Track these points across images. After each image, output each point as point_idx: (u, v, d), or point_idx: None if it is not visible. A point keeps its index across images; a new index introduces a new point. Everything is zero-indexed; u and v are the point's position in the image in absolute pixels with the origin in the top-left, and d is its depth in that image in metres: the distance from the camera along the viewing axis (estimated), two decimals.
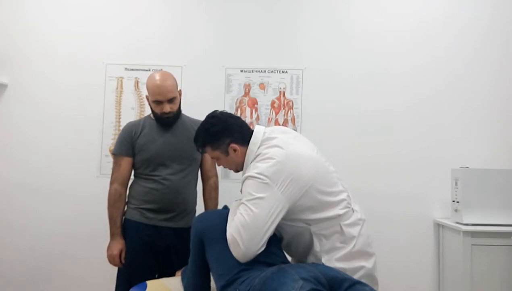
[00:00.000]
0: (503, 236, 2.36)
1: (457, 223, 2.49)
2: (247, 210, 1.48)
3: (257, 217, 1.47)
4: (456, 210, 2.53)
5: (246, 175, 1.56)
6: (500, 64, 2.77)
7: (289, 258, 1.75)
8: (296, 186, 1.53)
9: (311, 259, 1.63)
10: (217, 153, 1.72)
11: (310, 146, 1.72)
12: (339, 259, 1.58)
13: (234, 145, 1.69)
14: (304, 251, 1.65)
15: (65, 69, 2.92)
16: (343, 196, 1.66)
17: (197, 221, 1.69)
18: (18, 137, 2.91)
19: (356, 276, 1.54)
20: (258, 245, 1.47)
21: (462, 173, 2.49)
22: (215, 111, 1.80)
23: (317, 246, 1.60)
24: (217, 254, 1.53)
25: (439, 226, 2.73)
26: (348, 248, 1.59)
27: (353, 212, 1.67)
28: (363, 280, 1.54)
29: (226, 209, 1.76)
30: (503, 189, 2.47)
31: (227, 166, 1.77)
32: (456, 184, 2.54)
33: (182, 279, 1.82)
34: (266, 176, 1.51)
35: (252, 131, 1.73)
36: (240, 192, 1.63)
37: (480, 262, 2.37)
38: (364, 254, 1.63)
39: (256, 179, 1.51)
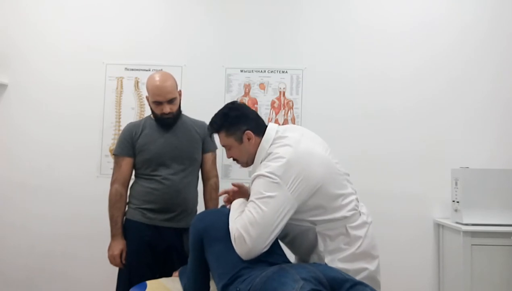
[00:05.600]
0: (503, 236, 2.37)
1: (457, 223, 2.49)
2: (256, 208, 1.48)
3: (266, 215, 1.47)
4: (456, 210, 2.53)
5: (256, 173, 1.56)
6: (500, 64, 2.77)
7: (290, 258, 1.75)
8: (306, 185, 1.53)
9: (314, 258, 1.63)
10: (230, 140, 1.70)
11: (323, 146, 1.70)
12: (342, 260, 1.58)
13: (249, 133, 1.67)
14: (307, 250, 1.65)
15: (65, 69, 2.92)
16: (351, 198, 1.65)
17: (197, 220, 1.69)
18: (18, 137, 2.91)
19: (358, 278, 1.53)
20: (264, 243, 1.47)
21: (462, 173, 2.49)
22: (234, 101, 1.81)
23: (321, 246, 1.60)
24: (218, 253, 1.53)
25: (439, 226, 2.73)
26: (352, 250, 1.59)
27: (360, 214, 1.67)
28: (365, 281, 1.55)
29: (224, 208, 1.76)
30: (503, 189, 2.48)
31: (238, 156, 1.73)
32: (456, 184, 2.54)
33: (181, 279, 1.82)
34: (276, 175, 1.50)
35: (266, 125, 1.73)
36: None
37: (480, 262, 2.37)
38: (367, 256, 1.63)
39: (267, 178, 1.51)
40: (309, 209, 1.57)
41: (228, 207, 1.76)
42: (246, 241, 1.45)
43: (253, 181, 1.56)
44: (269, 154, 1.61)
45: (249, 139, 1.68)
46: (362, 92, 2.82)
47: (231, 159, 1.77)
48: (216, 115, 1.75)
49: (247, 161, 1.73)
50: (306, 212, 1.57)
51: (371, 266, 1.62)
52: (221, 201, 2.28)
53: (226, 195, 1.86)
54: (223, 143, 1.74)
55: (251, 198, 1.53)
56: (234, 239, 1.48)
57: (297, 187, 1.51)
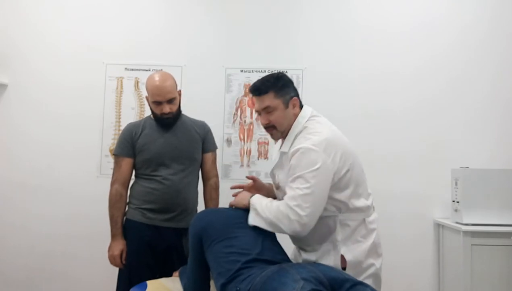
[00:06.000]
0: (503, 236, 2.37)
1: (457, 223, 2.49)
2: (305, 183, 1.50)
3: (315, 188, 1.50)
4: (456, 210, 2.53)
5: (299, 147, 1.56)
6: (500, 64, 2.77)
7: (290, 256, 1.74)
8: (343, 160, 1.58)
9: (327, 247, 1.63)
10: (277, 102, 1.68)
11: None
12: (357, 254, 1.61)
13: (296, 99, 1.71)
14: (322, 237, 1.64)
15: (65, 69, 2.92)
16: (370, 191, 1.72)
17: (196, 220, 1.69)
18: (18, 137, 2.91)
19: (365, 274, 1.59)
20: (316, 216, 1.51)
21: (462, 173, 2.49)
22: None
23: (339, 235, 1.61)
24: (217, 252, 1.53)
25: (439, 226, 2.73)
26: (367, 243, 1.63)
27: (374, 210, 1.72)
28: (371, 279, 1.60)
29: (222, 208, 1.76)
30: (503, 189, 2.48)
31: (279, 121, 1.69)
32: (456, 184, 2.54)
33: (181, 279, 1.82)
34: (319, 148, 1.53)
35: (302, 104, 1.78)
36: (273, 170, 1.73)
37: (480, 262, 2.37)
38: (375, 252, 1.67)
39: (312, 151, 1.53)
40: (343, 187, 1.60)
41: (234, 206, 1.75)
42: (302, 216, 1.47)
43: (293, 154, 1.56)
44: (305, 127, 1.65)
45: (294, 106, 1.70)
46: (362, 92, 2.82)
47: (266, 125, 1.72)
48: (267, 77, 1.73)
49: (284, 130, 1.71)
50: (339, 191, 1.60)
51: (377, 263, 1.66)
52: (221, 201, 2.29)
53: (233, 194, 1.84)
54: (268, 104, 1.69)
55: (296, 172, 1.53)
56: (288, 217, 1.48)
57: (337, 161, 1.56)
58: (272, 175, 1.80)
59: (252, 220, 1.61)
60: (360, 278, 1.59)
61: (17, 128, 2.91)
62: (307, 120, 1.68)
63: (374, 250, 1.66)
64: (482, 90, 2.77)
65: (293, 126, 1.69)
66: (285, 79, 1.72)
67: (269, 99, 1.68)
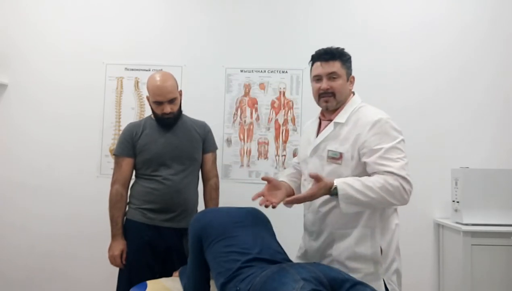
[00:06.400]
0: (503, 236, 2.37)
1: (457, 223, 2.49)
2: (401, 152, 1.59)
3: (406, 156, 1.60)
4: (456, 210, 2.53)
5: (379, 117, 1.64)
6: (500, 64, 2.77)
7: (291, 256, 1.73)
8: None
9: (363, 231, 1.62)
10: (343, 72, 1.73)
11: None
12: (392, 244, 1.63)
13: (354, 78, 1.79)
14: (355, 221, 1.62)
15: (65, 69, 2.92)
16: None
17: (195, 220, 1.70)
18: (18, 137, 2.90)
19: (392, 269, 1.61)
20: None
21: (462, 173, 2.49)
22: None
23: (377, 218, 1.63)
24: (216, 252, 1.53)
25: (439, 226, 2.73)
26: (396, 235, 1.67)
27: None
28: (395, 275, 1.61)
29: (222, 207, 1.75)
30: (503, 189, 2.48)
31: (339, 89, 1.72)
32: (456, 184, 2.54)
33: (181, 279, 1.82)
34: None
35: None
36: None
37: (480, 262, 2.37)
38: (398, 248, 1.69)
39: (392, 121, 1.65)
40: None
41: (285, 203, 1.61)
42: (411, 183, 1.53)
43: (374, 124, 1.62)
44: (363, 106, 1.73)
45: (351, 83, 1.78)
46: (361, 92, 2.77)
47: (326, 90, 1.72)
48: (333, 47, 1.77)
49: (340, 100, 1.75)
50: None
51: (399, 260, 1.68)
52: (221, 201, 2.29)
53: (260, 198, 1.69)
54: (335, 70, 1.72)
55: (384, 142, 1.58)
56: (403, 187, 1.51)
57: None
58: (317, 149, 1.74)
59: (347, 208, 1.52)
60: (388, 273, 1.61)
61: (17, 128, 2.91)
62: (361, 102, 1.77)
63: (398, 245, 1.68)
64: (482, 90, 2.77)
65: (351, 100, 1.76)
66: (349, 56, 1.79)
67: (337, 66, 1.73)
